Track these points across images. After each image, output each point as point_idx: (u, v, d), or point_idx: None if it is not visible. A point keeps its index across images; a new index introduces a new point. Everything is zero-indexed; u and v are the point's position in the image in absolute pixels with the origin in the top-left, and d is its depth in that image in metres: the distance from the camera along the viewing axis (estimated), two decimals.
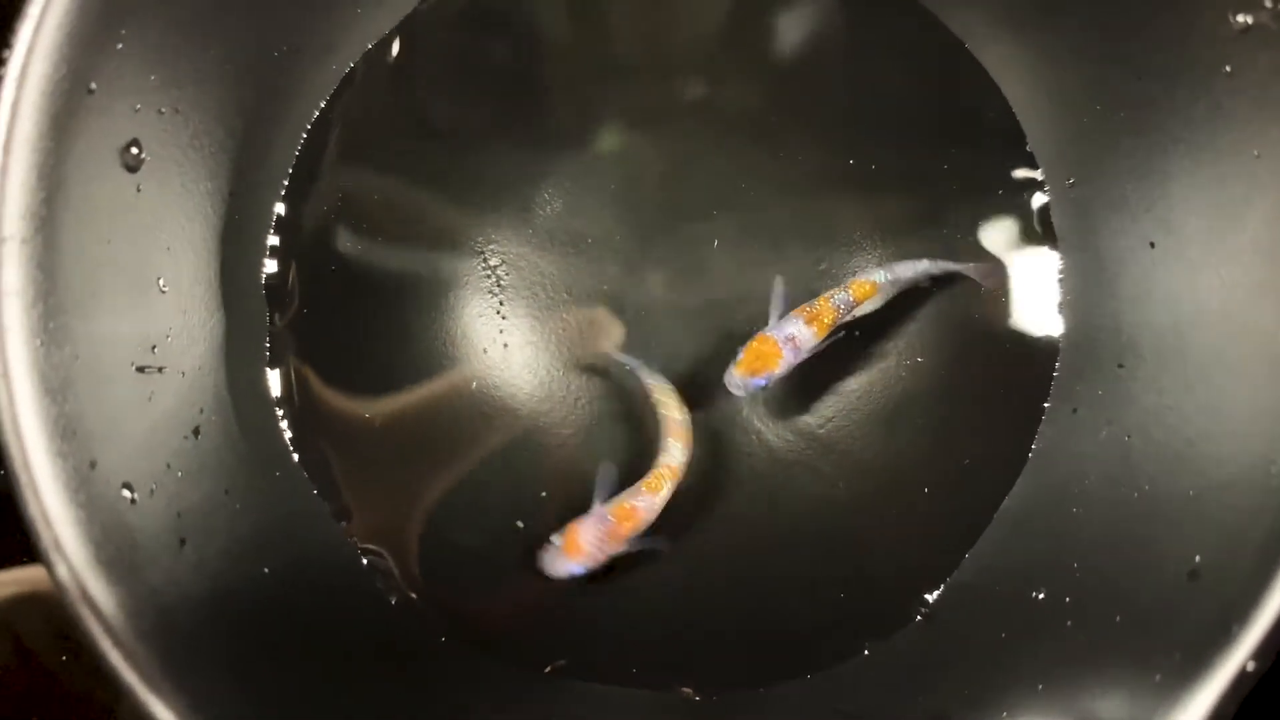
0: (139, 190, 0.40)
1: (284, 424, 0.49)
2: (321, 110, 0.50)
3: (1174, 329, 0.43)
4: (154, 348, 0.41)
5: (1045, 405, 0.48)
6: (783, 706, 0.47)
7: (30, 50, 0.35)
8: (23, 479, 0.34)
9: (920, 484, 0.49)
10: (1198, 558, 0.37)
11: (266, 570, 0.43)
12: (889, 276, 0.47)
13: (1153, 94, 0.42)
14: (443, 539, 0.48)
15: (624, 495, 0.46)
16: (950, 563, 0.48)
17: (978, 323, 0.49)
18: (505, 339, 0.49)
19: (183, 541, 0.39)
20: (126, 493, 0.37)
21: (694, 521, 0.49)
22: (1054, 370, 0.49)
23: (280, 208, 0.50)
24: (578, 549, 0.45)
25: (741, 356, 0.45)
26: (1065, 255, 0.49)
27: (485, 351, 0.49)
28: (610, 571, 0.47)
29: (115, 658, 0.34)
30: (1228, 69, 0.39)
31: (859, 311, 0.48)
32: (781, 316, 0.47)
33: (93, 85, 0.36)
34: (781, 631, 0.48)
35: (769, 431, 0.49)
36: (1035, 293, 0.49)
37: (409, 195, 0.50)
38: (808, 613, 0.48)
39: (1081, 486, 0.45)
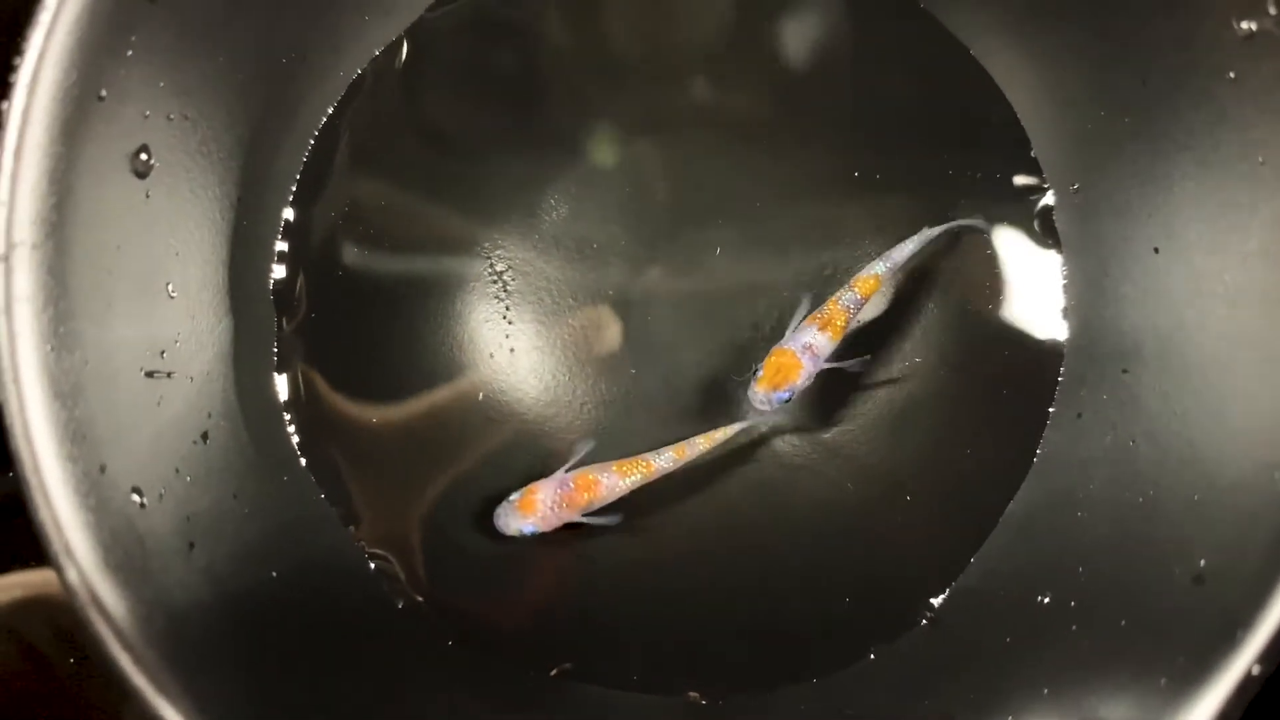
0: (148, 196, 0.40)
1: (291, 429, 0.49)
2: (329, 117, 0.50)
3: (1178, 334, 0.43)
4: (163, 353, 0.41)
5: (1050, 410, 0.48)
6: (788, 710, 0.47)
7: (41, 57, 0.35)
8: (33, 483, 0.34)
9: (925, 488, 0.49)
10: (1202, 562, 0.37)
11: (274, 574, 0.43)
12: (887, 265, 0.47)
13: (1157, 100, 0.43)
14: (449, 543, 0.48)
15: (592, 467, 0.46)
16: (956, 567, 0.48)
17: (982, 328, 0.49)
18: (511, 344, 0.50)
19: (191, 545, 0.39)
20: (136, 497, 0.37)
21: (700, 525, 0.49)
22: (1058, 375, 0.49)
23: (288, 213, 0.50)
24: (532, 508, 0.45)
25: (762, 373, 0.45)
26: (1069, 260, 0.49)
27: (492, 356, 0.49)
28: (572, 530, 0.47)
29: (124, 661, 0.34)
30: (1231, 75, 0.39)
31: (867, 308, 0.48)
32: (792, 327, 0.47)
33: (103, 92, 0.36)
34: (787, 635, 0.48)
35: (775, 435, 0.49)
36: (1039, 297, 0.49)
37: (416, 201, 0.50)
38: (813, 617, 0.48)
39: (1086, 491, 0.45)
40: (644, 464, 0.46)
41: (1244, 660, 0.33)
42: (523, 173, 0.51)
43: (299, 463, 0.49)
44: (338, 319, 0.50)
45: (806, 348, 0.45)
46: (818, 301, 0.47)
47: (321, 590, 0.46)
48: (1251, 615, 0.33)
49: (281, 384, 0.49)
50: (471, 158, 0.51)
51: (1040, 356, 0.49)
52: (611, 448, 0.48)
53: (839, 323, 0.46)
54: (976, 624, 0.46)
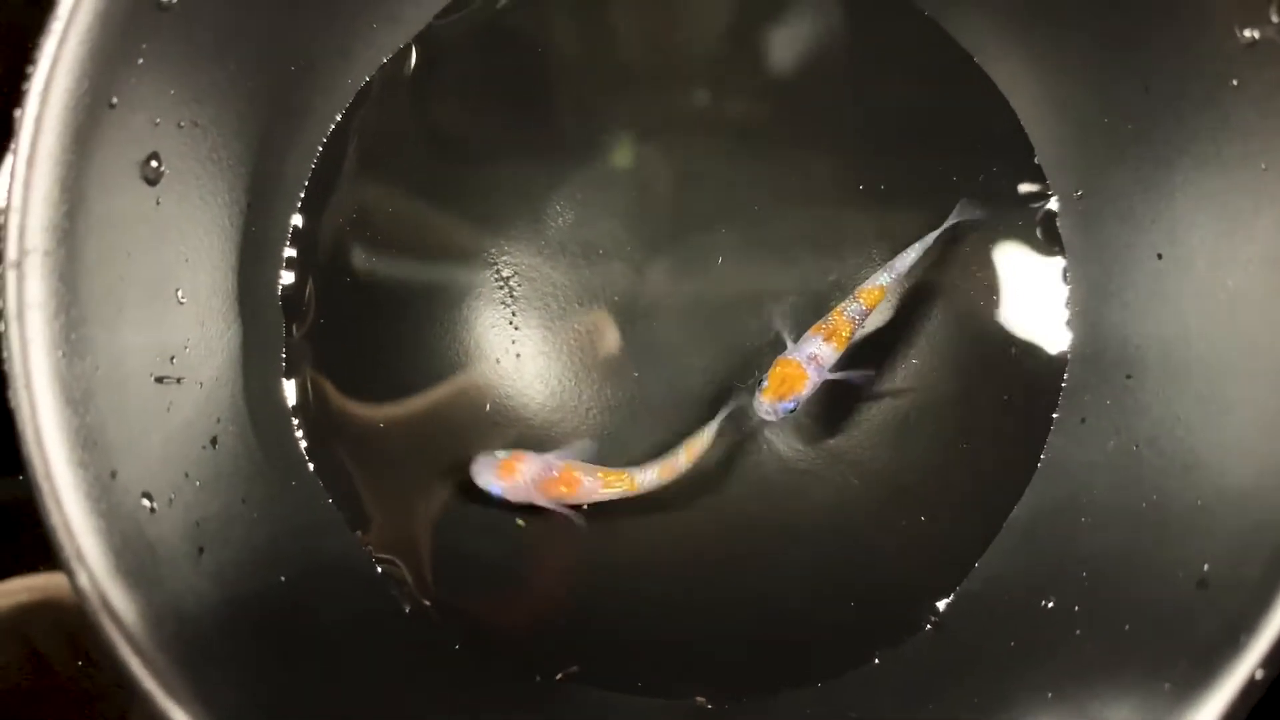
0: (158, 203, 0.40)
1: (300, 434, 0.49)
2: (337, 123, 0.51)
3: (1182, 340, 0.43)
4: (172, 359, 0.42)
5: (1054, 416, 0.49)
6: (793, 714, 0.47)
7: (54, 65, 0.35)
8: (45, 489, 0.34)
9: (930, 493, 0.49)
10: (1206, 567, 0.37)
11: (282, 578, 0.43)
12: (891, 275, 0.47)
13: (1160, 107, 0.43)
14: (456, 547, 0.49)
15: (581, 466, 0.46)
16: (960, 571, 0.48)
17: (986, 334, 0.50)
18: (518, 349, 0.50)
19: (201, 550, 0.40)
20: (146, 502, 0.38)
21: (705, 530, 0.49)
22: (1062, 381, 0.49)
23: (297, 220, 0.50)
24: (510, 474, 0.45)
25: (767, 383, 0.45)
26: (1073, 266, 0.49)
27: (498, 361, 0.50)
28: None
29: (135, 665, 0.34)
30: (1234, 82, 0.39)
31: (872, 318, 0.48)
32: (796, 338, 0.47)
33: (114, 100, 0.37)
34: (792, 640, 0.48)
35: (779, 440, 0.49)
36: (1043, 304, 0.49)
37: (423, 207, 0.51)
38: (818, 621, 0.48)
39: (1090, 496, 0.45)
40: (628, 480, 0.46)
41: (1247, 665, 0.33)
42: (529, 179, 0.51)
43: (307, 467, 0.49)
44: (345, 324, 0.50)
45: (811, 358, 0.45)
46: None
47: (329, 594, 0.46)
48: (1255, 620, 0.33)
49: (290, 389, 0.49)
50: (478, 164, 0.51)
51: (1044, 362, 0.49)
52: (615, 452, 0.48)
53: (844, 333, 0.46)
54: (981, 629, 0.46)
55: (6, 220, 0.34)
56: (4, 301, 0.34)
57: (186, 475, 0.41)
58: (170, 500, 0.39)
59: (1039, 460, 0.48)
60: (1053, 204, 0.50)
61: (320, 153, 0.50)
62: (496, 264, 0.50)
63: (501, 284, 0.50)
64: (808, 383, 0.45)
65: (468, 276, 0.50)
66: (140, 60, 0.38)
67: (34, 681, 0.51)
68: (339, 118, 0.51)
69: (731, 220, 0.50)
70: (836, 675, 0.47)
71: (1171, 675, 0.35)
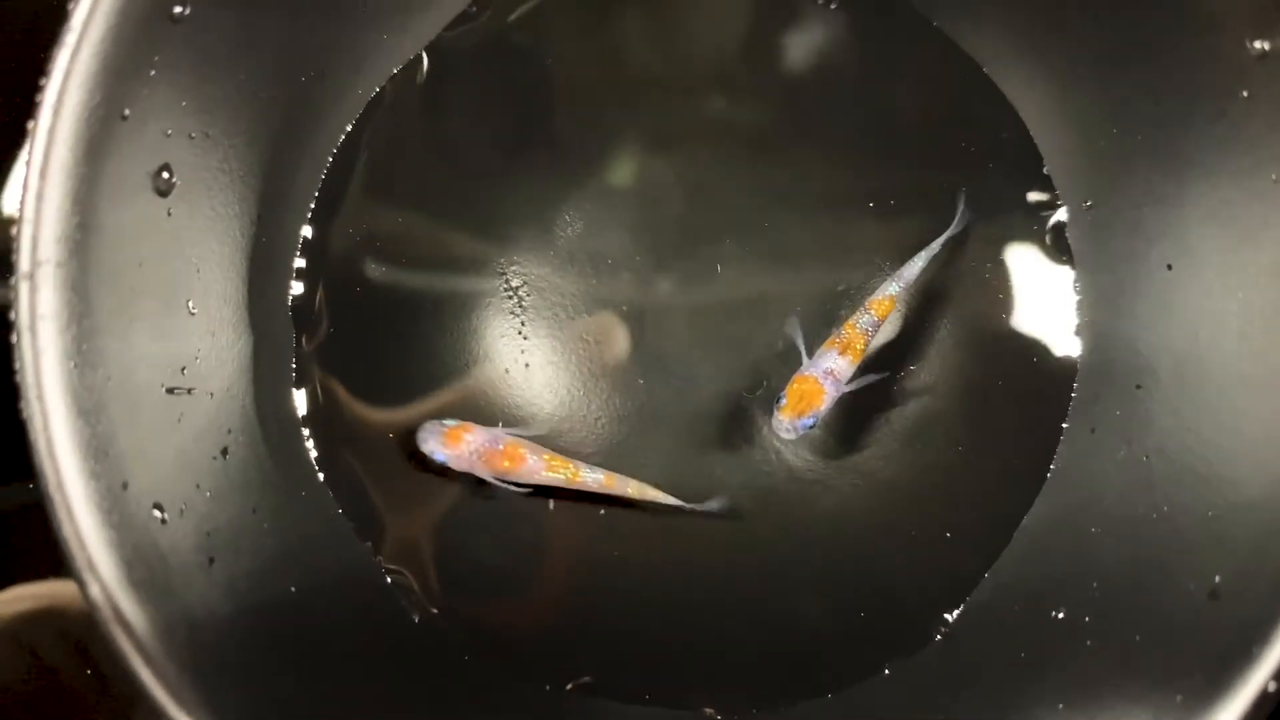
0: (170, 214, 0.40)
1: (310, 444, 0.49)
2: (347, 134, 0.51)
3: (1192, 350, 0.43)
4: (183, 369, 0.42)
5: (1064, 426, 0.49)
6: None
7: (66, 77, 0.35)
8: (56, 499, 0.34)
9: (939, 503, 0.49)
10: (1217, 578, 0.37)
11: (292, 589, 0.43)
12: (900, 285, 0.47)
13: (1170, 117, 0.43)
14: (465, 557, 0.49)
15: (528, 444, 0.47)
16: (970, 582, 0.48)
17: (995, 343, 0.50)
18: (527, 359, 0.50)
19: (211, 560, 0.40)
20: (157, 513, 0.38)
21: (715, 540, 0.49)
22: (1072, 391, 0.49)
23: (307, 230, 0.50)
24: (456, 443, 0.46)
25: (785, 400, 0.45)
26: (1082, 277, 0.49)
27: (507, 372, 0.50)
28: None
29: (145, 675, 0.35)
30: (1245, 94, 0.39)
31: (883, 328, 0.48)
32: (811, 353, 0.47)
33: (126, 111, 0.37)
34: (801, 650, 0.48)
35: (788, 451, 0.49)
36: (1052, 313, 0.49)
37: (432, 217, 0.51)
38: (828, 632, 0.48)
39: (1100, 506, 0.45)
40: (572, 470, 0.47)
41: (1260, 676, 0.33)
42: (538, 189, 0.51)
43: (317, 478, 0.49)
44: (355, 335, 0.50)
45: (828, 373, 0.45)
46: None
47: (339, 604, 0.46)
48: (1267, 631, 0.33)
49: (300, 400, 0.49)
50: (487, 175, 0.51)
51: (1053, 372, 0.49)
52: (624, 461, 0.48)
53: (858, 346, 0.46)
54: (991, 639, 0.46)
55: (19, 232, 0.35)
56: (16, 313, 0.35)
57: (197, 486, 0.41)
58: (181, 511, 0.39)
59: (1049, 470, 0.48)
60: (1062, 214, 0.50)
61: (330, 164, 0.50)
62: (505, 274, 0.50)
63: (510, 294, 0.50)
64: (826, 398, 0.45)
65: (477, 286, 0.50)
66: (153, 72, 0.38)
67: (37, 689, 0.51)
68: (349, 129, 0.51)
69: (740, 231, 0.50)
70: (846, 686, 0.47)
71: (1183, 687, 0.35)
